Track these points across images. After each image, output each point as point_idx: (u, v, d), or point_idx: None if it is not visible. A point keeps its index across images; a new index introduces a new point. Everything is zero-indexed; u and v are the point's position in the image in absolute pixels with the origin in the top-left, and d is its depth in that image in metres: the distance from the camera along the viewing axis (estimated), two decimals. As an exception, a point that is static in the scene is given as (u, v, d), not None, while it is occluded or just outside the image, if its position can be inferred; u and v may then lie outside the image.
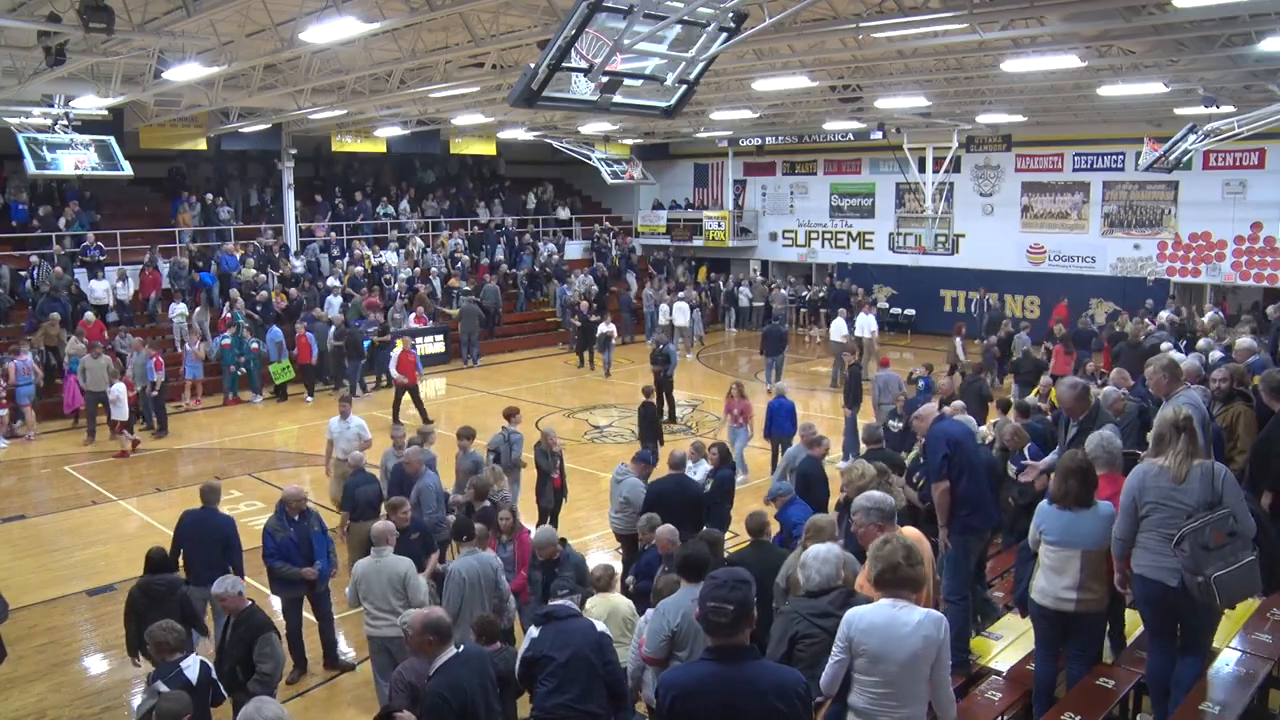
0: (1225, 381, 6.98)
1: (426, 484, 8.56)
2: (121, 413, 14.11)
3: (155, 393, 15.14)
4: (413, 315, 21.07)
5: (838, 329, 19.49)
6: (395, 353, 16.23)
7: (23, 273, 18.48)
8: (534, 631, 5.17)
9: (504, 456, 10.05)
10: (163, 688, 4.80)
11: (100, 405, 14.62)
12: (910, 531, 4.71)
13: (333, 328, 18.23)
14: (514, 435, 10.32)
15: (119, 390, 14.12)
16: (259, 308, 19.09)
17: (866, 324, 19.50)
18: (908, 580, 3.71)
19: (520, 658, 5.09)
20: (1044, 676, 5.05)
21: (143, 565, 6.60)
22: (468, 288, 22.88)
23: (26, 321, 17.60)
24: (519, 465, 10.33)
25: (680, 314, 22.22)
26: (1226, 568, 4.31)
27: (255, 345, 17.44)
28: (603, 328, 20.20)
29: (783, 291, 25.32)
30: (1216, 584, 4.29)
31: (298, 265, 21.93)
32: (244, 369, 17.42)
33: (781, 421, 12.06)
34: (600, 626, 5.22)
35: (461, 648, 4.75)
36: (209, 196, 22.20)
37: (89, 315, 17.06)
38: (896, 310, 25.32)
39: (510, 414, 10.60)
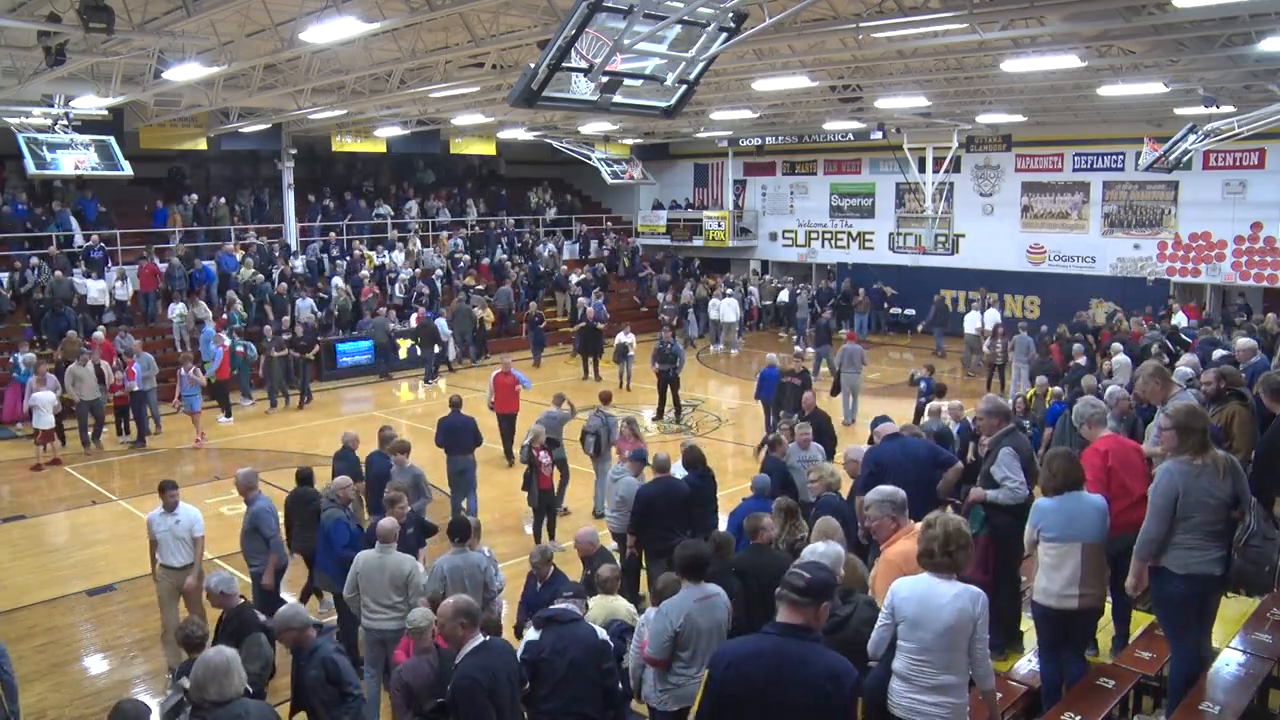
0: (1214, 383, 6.94)
1: (260, 508, 7.64)
2: (43, 421, 13.40)
3: (111, 399, 14.73)
4: (414, 315, 21.06)
5: (971, 321, 19.75)
6: (492, 376, 13.41)
7: (25, 273, 18.41)
8: (533, 633, 5.13)
9: (602, 439, 10.66)
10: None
11: (92, 413, 14.26)
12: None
13: (276, 336, 17.24)
14: (610, 419, 10.70)
15: (41, 398, 13.40)
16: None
17: (992, 317, 19.52)
18: (942, 565, 3.93)
19: (520, 659, 5.04)
20: (1050, 677, 5.09)
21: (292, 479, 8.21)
22: (481, 288, 22.86)
23: (28, 329, 17.59)
24: (612, 446, 10.70)
25: (730, 311, 22.63)
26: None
27: (241, 349, 16.90)
28: (621, 337, 18.78)
29: (809, 292, 25.07)
30: None
31: (298, 266, 21.90)
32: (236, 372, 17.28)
33: (768, 388, 13.65)
34: (602, 634, 5.18)
35: (488, 638, 4.77)
36: (192, 198, 22.02)
37: (98, 334, 16.48)
38: (897, 310, 25.30)
39: (605, 398, 11.32)
